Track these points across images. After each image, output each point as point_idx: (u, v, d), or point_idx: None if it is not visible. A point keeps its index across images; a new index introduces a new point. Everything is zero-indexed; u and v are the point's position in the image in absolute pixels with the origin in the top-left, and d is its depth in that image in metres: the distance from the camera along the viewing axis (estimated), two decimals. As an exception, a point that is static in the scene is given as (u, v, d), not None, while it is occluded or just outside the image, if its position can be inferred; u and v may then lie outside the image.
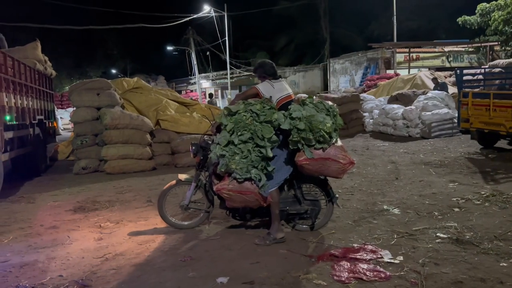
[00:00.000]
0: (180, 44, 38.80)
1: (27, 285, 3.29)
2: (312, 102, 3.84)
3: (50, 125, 10.70)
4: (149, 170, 8.55)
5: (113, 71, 45.51)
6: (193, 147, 4.38)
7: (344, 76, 29.12)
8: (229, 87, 31.14)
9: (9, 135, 6.87)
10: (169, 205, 4.58)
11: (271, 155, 3.68)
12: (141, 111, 9.70)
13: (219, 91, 38.65)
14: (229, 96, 31.27)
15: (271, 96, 3.95)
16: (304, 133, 3.63)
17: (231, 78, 32.11)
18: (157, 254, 3.86)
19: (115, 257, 3.86)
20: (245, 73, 33.47)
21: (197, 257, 3.73)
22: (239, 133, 3.66)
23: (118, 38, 42.76)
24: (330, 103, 3.99)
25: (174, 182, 4.53)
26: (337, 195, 4.30)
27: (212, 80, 38.92)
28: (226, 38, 30.40)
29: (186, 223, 4.55)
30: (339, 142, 3.90)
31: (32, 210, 5.73)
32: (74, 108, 9.43)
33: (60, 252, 4.02)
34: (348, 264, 3.38)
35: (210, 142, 4.25)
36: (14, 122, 7.13)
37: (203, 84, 39.38)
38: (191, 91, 39.59)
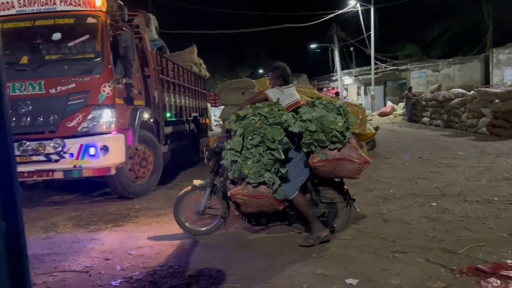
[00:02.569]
0: (323, 41, 38.83)
1: (175, 264, 3.70)
2: (321, 103, 3.76)
3: (203, 122, 11.84)
4: (288, 166, 8.78)
5: (260, 71, 47.94)
6: (207, 153, 4.36)
7: (511, 68, 25.35)
8: (372, 83, 29.92)
9: (168, 130, 7.83)
10: (186, 210, 4.52)
11: (283, 157, 3.59)
12: (281, 109, 10.03)
13: (362, 87, 37.52)
14: (372, 93, 30.07)
15: (278, 98, 3.86)
16: (316, 135, 3.57)
17: (375, 73, 30.83)
18: (290, 248, 3.94)
19: (251, 245, 4.08)
20: (391, 68, 31.75)
21: (327, 255, 3.70)
22: (249, 137, 3.59)
23: (265, 39, 44.97)
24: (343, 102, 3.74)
25: (189, 188, 4.49)
26: (354, 197, 4.14)
27: (355, 76, 37.97)
28: (372, 31, 29.26)
29: (202, 229, 4.46)
30: (354, 141, 3.80)
31: (184, 197, 6.43)
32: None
33: (203, 236, 4.40)
34: (498, 281, 2.95)
35: (223, 147, 4.11)
36: (173, 119, 8.10)
37: (345, 80, 38.74)
38: (333, 88, 39.30)
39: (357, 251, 3.76)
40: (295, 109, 3.93)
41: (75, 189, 6.99)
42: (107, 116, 5.43)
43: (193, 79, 10.19)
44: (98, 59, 5.51)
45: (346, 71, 38.85)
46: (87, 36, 5.67)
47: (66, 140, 5.33)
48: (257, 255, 3.81)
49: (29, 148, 5.31)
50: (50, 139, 5.32)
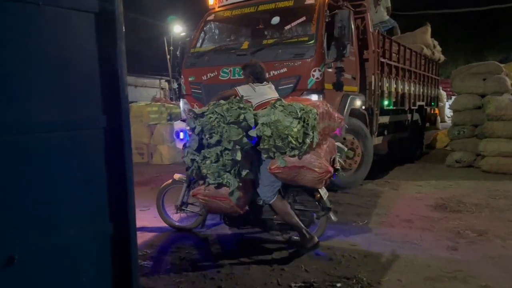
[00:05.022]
0: None
1: (364, 279, 3.14)
2: (282, 105, 3.39)
3: (432, 112, 10.52)
4: (538, 176, 6.81)
5: (518, 55, 40.01)
6: (183, 148, 4.00)
7: None
8: None
9: (385, 119, 7.10)
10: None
11: (239, 158, 3.33)
12: (539, 100, 7.82)
13: None
14: None
15: (243, 96, 3.68)
16: (272, 140, 3.29)
17: None
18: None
19: (466, 278, 3.13)
20: None
21: None
22: (207, 136, 3.40)
23: (526, 15, 37.02)
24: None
25: (170, 181, 4.40)
26: (330, 206, 3.70)
27: None
28: None
29: (180, 224, 4.41)
30: (324, 148, 3.51)
31: (393, 197, 5.68)
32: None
33: (407, 251, 3.68)
34: None
35: None
36: (392, 107, 7.29)
37: None
38: None
39: None
40: None
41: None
42: (314, 102, 5.16)
43: (422, 63, 9.02)
44: (311, 42, 5.25)
45: None
46: (303, 19, 5.48)
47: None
48: None
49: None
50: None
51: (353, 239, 4.00)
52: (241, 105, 3.45)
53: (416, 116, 8.96)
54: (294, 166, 3.35)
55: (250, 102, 3.67)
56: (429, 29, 10.01)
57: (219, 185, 3.43)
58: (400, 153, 8.60)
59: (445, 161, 8.14)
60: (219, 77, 5.61)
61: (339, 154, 3.92)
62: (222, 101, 3.53)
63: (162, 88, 27.07)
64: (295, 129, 3.25)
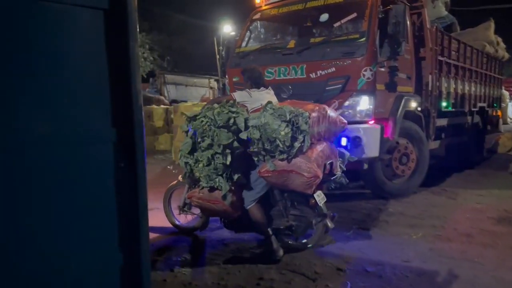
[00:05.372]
0: None
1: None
2: (272, 108, 3.33)
3: (494, 114, 9.79)
4: None
5: None
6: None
7: None
8: None
9: (442, 122, 6.62)
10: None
11: (228, 162, 3.34)
12: None
13: None
14: None
15: (235, 100, 3.71)
16: (261, 143, 3.27)
17: None
18: None
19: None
20: None
21: None
22: (198, 140, 3.44)
23: None
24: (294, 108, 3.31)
25: (175, 182, 4.38)
26: (326, 213, 3.52)
27: None
28: None
29: (183, 225, 4.36)
30: (316, 152, 3.37)
31: (451, 207, 5.23)
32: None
33: (466, 272, 3.31)
34: None
35: None
36: (450, 109, 6.79)
37: None
38: None
39: None
40: None
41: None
42: (364, 104, 4.83)
43: (484, 61, 8.37)
44: (362, 40, 4.92)
45: None
46: (354, 15, 5.16)
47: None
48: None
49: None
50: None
51: (406, 255, 3.67)
52: (233, 109, 3.48)
53: (477, 119, 8.32)
54: (283, 170, 3.33)
55: (246, 107, 3.74)
56: (492, 25, 9.29)
57: (212, 188, 3.48)
58: (458, 158, 8.00)
59: (509, 167, 7.48)
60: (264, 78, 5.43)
61: (341, 159, 3.83)
62: (215, 105, 3.59)
63: (211, 88, 27.40)
64: (283, 133, 3.24)
